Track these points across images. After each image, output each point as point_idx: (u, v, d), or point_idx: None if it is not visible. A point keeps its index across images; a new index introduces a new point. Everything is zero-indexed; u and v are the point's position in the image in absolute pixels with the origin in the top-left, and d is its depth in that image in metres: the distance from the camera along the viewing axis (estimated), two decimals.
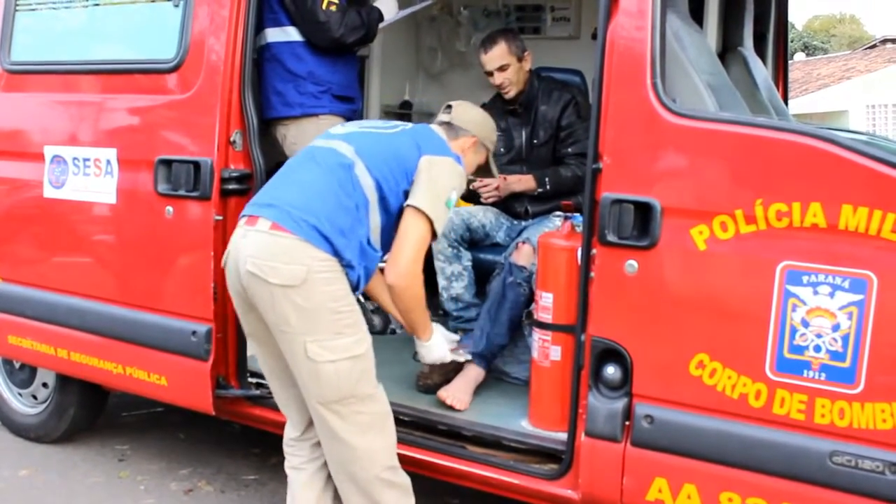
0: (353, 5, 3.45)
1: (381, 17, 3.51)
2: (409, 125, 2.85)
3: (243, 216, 2.58)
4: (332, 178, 2.56)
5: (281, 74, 3.40)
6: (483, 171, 3.07)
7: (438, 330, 2.93)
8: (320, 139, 2.78)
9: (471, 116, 2.95)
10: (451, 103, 2.96)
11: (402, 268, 2.60)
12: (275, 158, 3.48)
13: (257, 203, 2.60)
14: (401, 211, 2.63)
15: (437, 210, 2.60)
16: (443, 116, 2.93)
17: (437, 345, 2.90)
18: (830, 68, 22.48)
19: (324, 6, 3.31)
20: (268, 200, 2.57)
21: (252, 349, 2.97)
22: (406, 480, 2.64)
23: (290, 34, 3.40)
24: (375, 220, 2.62)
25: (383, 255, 2.69)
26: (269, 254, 2.45)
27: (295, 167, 2.69)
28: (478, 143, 2.94)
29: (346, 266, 2.51)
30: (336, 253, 2.47)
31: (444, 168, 2.66)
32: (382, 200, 2.61)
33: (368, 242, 2.60)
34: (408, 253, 2.60)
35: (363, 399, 2.55)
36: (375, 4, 3.54)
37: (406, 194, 2.63)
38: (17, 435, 4.06)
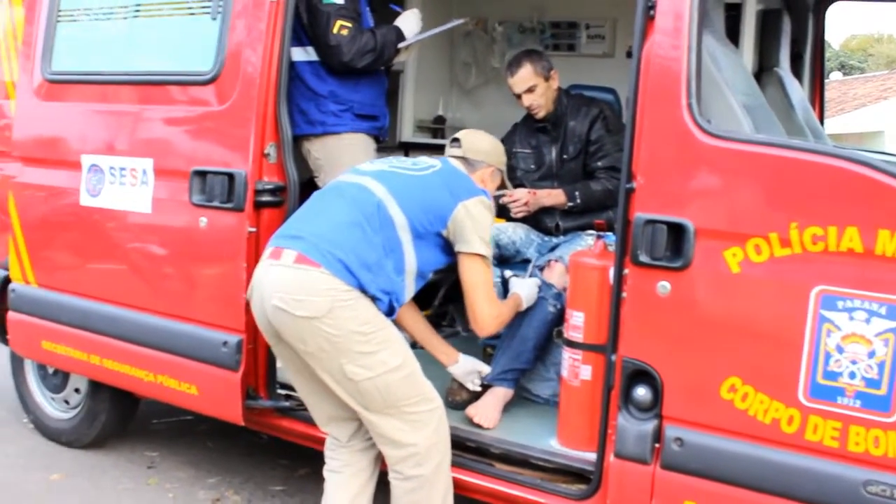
0: (376, 25, 3.46)
1: (400, 37, 3.48)
2: (437, 164, 2.90)
3: (268, 248, 2.63)
4: (359, 213, 2.62)
5: (304, 93, 3.41)
6: (501, 187, 3.22)
7: (518, 285, 3.17)
8: (349, 174, 2.84)
9: (481, 146, 3.05)
10: (458, 136, 3.02)
11: (487, 323, 2.87)
12: (308, 172, 3.51)
13: (283, 235, 2.66)
14: (437, 249, 2.78)
15: (489, 250, 2.83)
16: (454, 150, 3.01)
17: (530, 294, 3.13)
18: (867, 88, 22.18)
19: (335, 30, 3.30)
20: (294, 232, 2.63)
21: (287, 377, 3.02)
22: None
23: (311, 54, 3.41)
24: (410, 257, 2.70)
25: (420, 286, 2.83)
26: (293, 288, 2.50)
27: (322, 201, 2.75)
28: (494, 171, 3.07)
29: (372, 298, 2.57)
30: (360, 286, 2.53)
31: (480, 210, 2.81)
32: (417, 239, 2.70)
33: (400, 277, 2.67)
34: (483, 307, 2.83)
35: (416, 401, 2.61)
36: (396, 23, 3.52)
37: (439, 236, 2.76)
38: (48, 439, 4.12)
